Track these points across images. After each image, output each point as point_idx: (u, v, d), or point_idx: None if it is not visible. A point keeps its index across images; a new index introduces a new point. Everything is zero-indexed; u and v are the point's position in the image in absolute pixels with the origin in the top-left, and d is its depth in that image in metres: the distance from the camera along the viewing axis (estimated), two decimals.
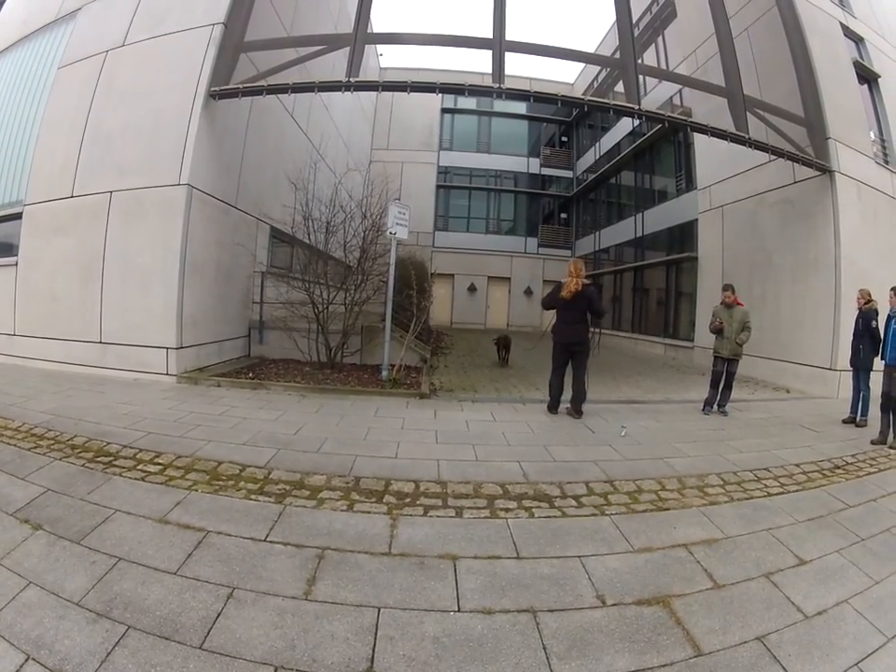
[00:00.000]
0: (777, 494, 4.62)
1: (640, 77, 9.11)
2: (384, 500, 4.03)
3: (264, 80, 9.14)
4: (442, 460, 5.00)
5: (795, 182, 11.46)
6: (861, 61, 12.32)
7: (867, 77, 12.46)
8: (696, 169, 15.81)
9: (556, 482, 4.54)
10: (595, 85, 24.72)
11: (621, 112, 9.38)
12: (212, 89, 8.91)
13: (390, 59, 27.68)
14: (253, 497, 3.98)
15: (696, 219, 15.62)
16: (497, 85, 8.39)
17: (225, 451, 4.94)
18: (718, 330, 8.26)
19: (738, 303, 8.38)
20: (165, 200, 8.68)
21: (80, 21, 10.34)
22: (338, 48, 9.40)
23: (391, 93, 27.51)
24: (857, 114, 11.45)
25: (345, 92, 8.98)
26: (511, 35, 8.81)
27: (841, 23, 12.20)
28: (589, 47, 25.71)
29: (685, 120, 9.02)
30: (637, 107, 8.79)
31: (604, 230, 24.20)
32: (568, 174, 28.91)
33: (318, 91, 8.85)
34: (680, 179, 17.47)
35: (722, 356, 8.23)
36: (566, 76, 28.99)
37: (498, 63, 8.45)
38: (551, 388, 7.30)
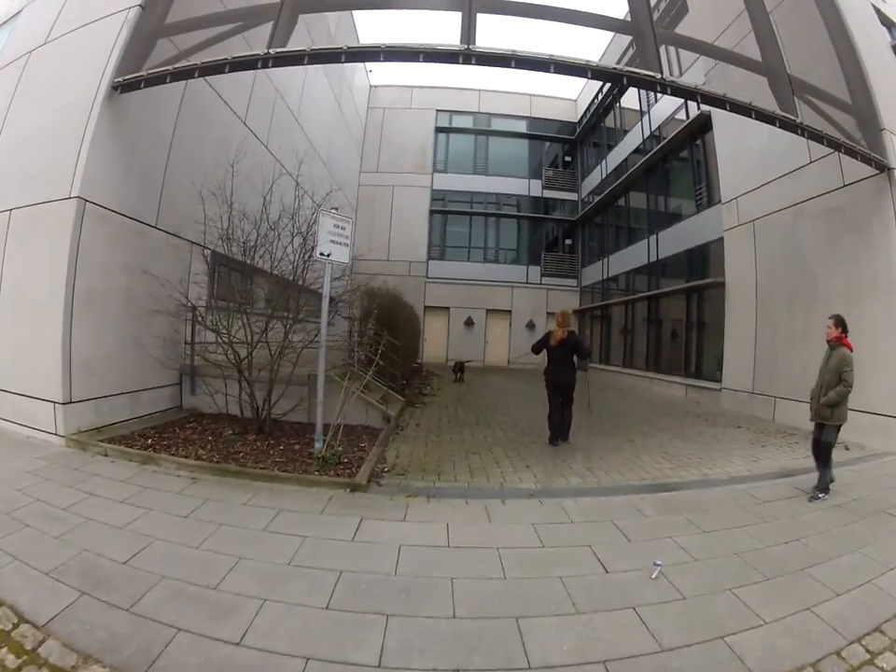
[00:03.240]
0: None
1: (660, 47, 6.95)
2: None
3: (170, 66, 7.17)
4: (316, 659, 2.75)
5: (844, 186, 9.28)
6: None
7: None
8: (719, 179, 13.55)
9: None
10: (600, 97, 22.97)
11: (642, 84, 7.23)
12: (115, 80, 7.20)
13: (381, 76, 26.27)
14: None
15: (721, 238, 13.32)
16: (466, 46, 6.24)
17: (19, 582, 3.32)
18: None
19: (843, 342, 5.90)
20: (54, 217, 7.07)
21: (20, 21, 9.21)
22: (269, 20, 7.40)
23: (381, 113, 26.30)
24: None
25: (264, 68, 6.89)
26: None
27: (874, 6, 10.43)
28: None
29: (722, 96, 6.88)
30: (659, 76, 6.63)
31: (612, 255, 21.86)
32: (573, 196, 26.71)
33: (231, 69, 6.83)
34: (700, 193, 15.17)
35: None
36: (568, 91, 27.15)
37: (468, 24, 6.34)
38: (550, 423, 8.06)
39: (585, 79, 24.86)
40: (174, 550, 3.92)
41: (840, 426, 5.81)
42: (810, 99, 8.14)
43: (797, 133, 7.66)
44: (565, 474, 6.42)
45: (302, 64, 6.85)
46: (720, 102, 7.06)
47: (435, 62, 6.56)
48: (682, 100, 15.82)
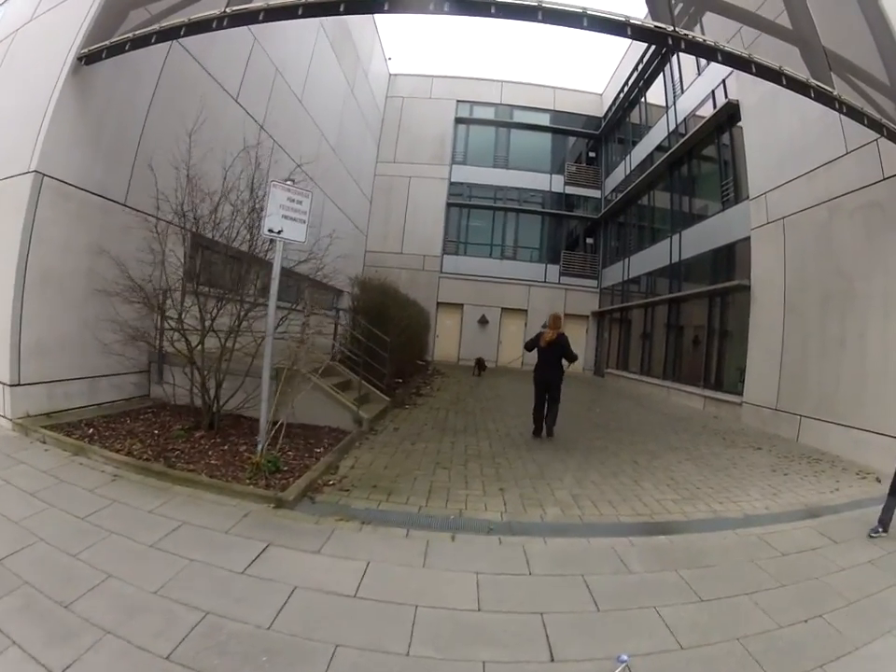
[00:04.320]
0: None
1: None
2: None
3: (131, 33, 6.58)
4: None
5: (885, 179, 8.19)
6: None
7: None
8: (747, 174, 12.45)
9: None
10: (626, 90, 21.99)
11: (651, 37, 6.23)
12: (81, 51, 6.80)
13: (400, 64, 25.64)
14: None
15: (748, 237, 12.22)
16: None
17: None
18: None
19: None
20: (11, 192, 6.68)
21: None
22: None
23: (401, 102, 25.66)
24: None
25: (220, 28, 6.13)
26: None
27: None
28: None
29: (747, 56, 5.93)
30: (670, 28, 5.72)
31: (633, 256, 20.75)
32: (596, 193, 25.59)
33: (186, 33, 6.24)
34: (727, 188, 14.03)
35: None
36: (594, 85, 26.16)
37: None
38: (534, 417, 8.55)
39: (611, 71, 24.33)
40: (50, 555, 3.43)
41: None
42: (847, 76, 7.17)
43: (834, 108, 6.66)
44: (543, 502, 5.35)
45: (257, 22, 6.09)
46: (744, 63, 6.09)
47: (446, 12, 5.70)
48: (709, 91, 14.95)
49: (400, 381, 12.69)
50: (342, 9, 6.06)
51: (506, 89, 26.01)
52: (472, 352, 22.79)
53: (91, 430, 6.27)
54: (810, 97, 6.53)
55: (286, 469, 5.45)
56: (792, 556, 4.40)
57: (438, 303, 24.32)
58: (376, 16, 21.61)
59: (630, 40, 19.26)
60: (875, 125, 6.91)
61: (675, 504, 5.62)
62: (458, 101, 25.96)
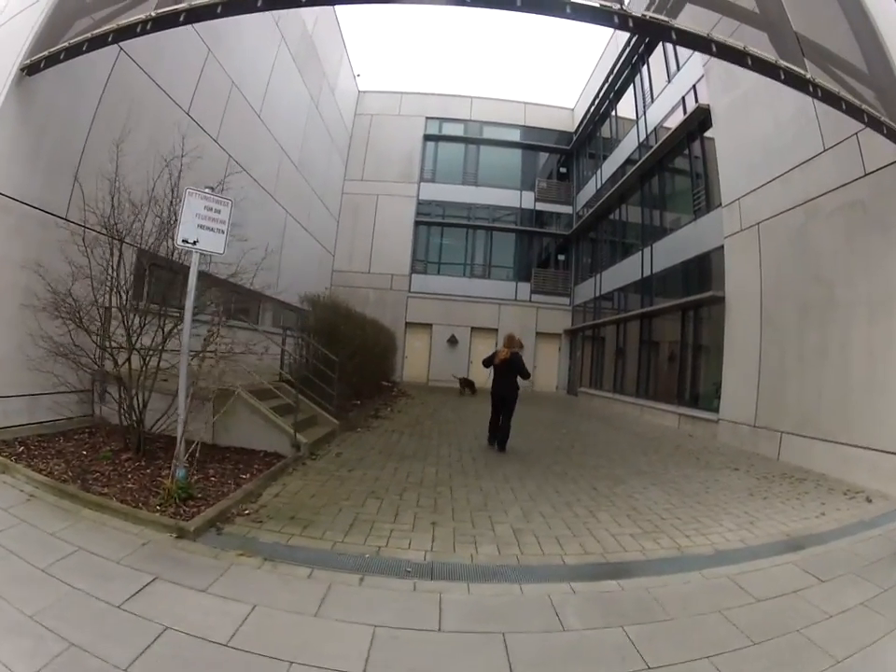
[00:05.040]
0: None
1: None
2: None
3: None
4: None
5: (866, 175, 7.61)
6: None
7: None
8: (719, 180, 11.87)
9: None
10: (597, 103, 21.63)
11: (593, 16, 5.57)
12: (23, 62, 6.53)
13: (370, 81, 25.20)
14: None
15: (721, 246, 11.60)
16: None
17: None
18: None
19: None
20: None
21: None
22: None
23: (369, 120, 25.20)
24: None
25: (145, 33, 5.83)
26: None
27: None
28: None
29: (705, 35, 5.29)
30: (616, 6, 5.05)
31: (605, 271, 20.15)
32: (568, 209, 25.04)
33: (114, 39, 6.01)
34: (699, 196, 13.45)
35: None
36: (565, 100, 25.87)
37: None
38: (490, 428, 9.09)
39: (582, 85, 24.04)
40: None
41: None
42: (824, 65, 6.56)
43: (808, 92, 6.06)
44: (479, 539, 4.59)
45: (216, 17, 5.83)
46: (703, 43, 5.47)
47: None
48: (679, 98, 14.50)
49: (358, 403, 12.06)
50: (259, 4, 5.50)
51: (476, 104, 25.56)
52: (443, 373, 22.19)
53: (22, 449, 5.97)
54: (780, 79, 5.91)
55: (199, 496, 4.94)
56: (769, 603, 3.58)
57: (406, 323, 23.63)
58: (344, 31, 21.32)
59: (611, 34, 19.26)
60: (853, 111, 6.27)
61: (633, 539, 4.77)
62: (427, 117, 25.48)
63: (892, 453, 6.73)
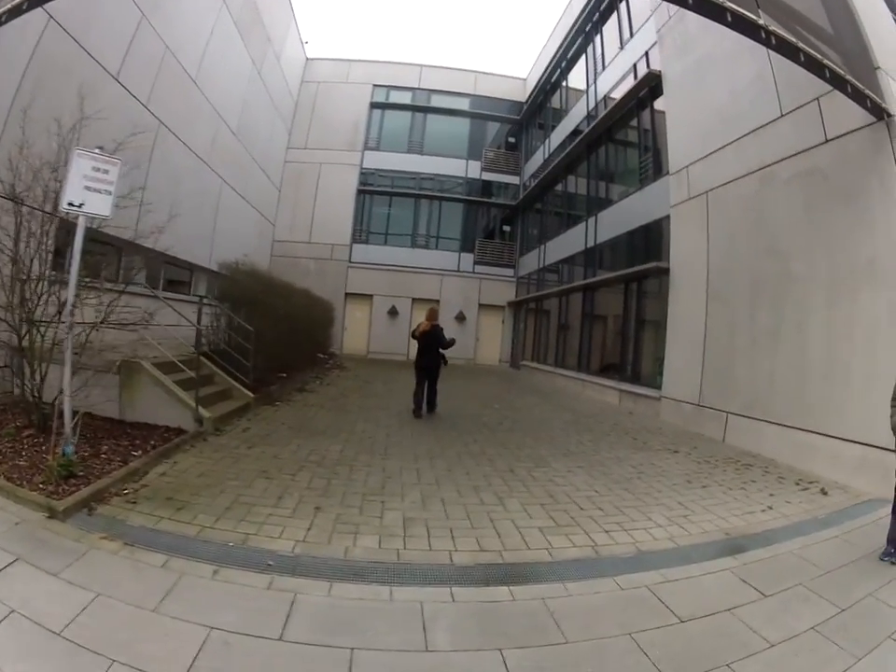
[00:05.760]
0: None
1: None
2: None
3: None
4: None
5: (827, 142, 7.15)
6: None
7: None
8: (668, 148, 11.42)
9: None
10: (548, 71, 20.98)
11: None
12: None
13: (319, 49, 23.99)
14: None
15: (668, 216, 11.18)
16: None
17: None
18: None
19: None
20: None
21: None
22: None
23: (316, 87, 24.11)
24: None
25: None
26: None
27: None
28: None
29: None
30: None
31: (550, 242, 19.73)
32: (515, 180, 24.51)
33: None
34: (646, 165, 13.01)
35: None
36: (518, 69, 25.13)
37: None
38: (415, 398, 9.29)
39: (538, 53, 23.28)
40: None
41: None
42: (788, 23, 6.00)
43: (760, 40, 5.57)
44: (361, 529, 4.09)
45: None
46: None
47: None
48: (631, 65, 13.96)
49: (284, 375, 11.32)
50: None
51: (425, 73, 24.66)
52: (383, 345, 21.82)
53: None
54: (727, 23, 5.43)
55: (81, 473, 4.69)
56: (695, 625, 2.98)
57: (346, 294, 22.85)
58: None
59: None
60: (814, 65, 5.81)
61: (541, 535, 4.19)
62: (375, 85, 24.49)
63: (855, 442, 6.27)
